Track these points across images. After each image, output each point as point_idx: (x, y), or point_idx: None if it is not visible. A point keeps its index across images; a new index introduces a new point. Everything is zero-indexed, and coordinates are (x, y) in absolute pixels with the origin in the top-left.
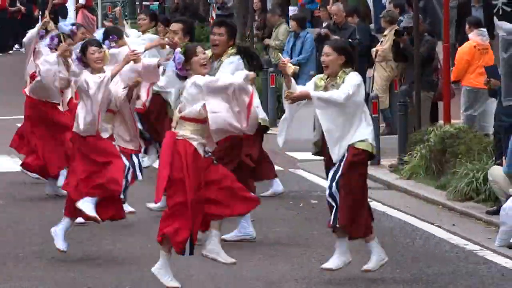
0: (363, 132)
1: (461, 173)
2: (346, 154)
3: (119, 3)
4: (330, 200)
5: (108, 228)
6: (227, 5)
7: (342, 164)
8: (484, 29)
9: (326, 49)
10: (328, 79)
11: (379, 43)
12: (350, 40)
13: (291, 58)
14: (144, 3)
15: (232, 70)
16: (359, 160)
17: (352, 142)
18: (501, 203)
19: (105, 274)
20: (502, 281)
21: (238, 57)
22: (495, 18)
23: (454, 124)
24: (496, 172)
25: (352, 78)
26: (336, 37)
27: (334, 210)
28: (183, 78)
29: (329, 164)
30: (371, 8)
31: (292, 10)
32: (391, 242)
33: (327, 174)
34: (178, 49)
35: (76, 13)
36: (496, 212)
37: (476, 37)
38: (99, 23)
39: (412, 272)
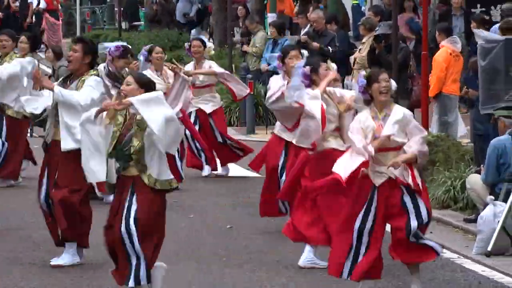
0: None
1: (439, 181)
2: None
3: (97, 9)
4: None
5: None
6: (189, 15)
7: None
8: (456, 36)
9: None
10: None
11: (358, 50)
12: (329, 47)
13: (269, 65)
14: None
15: (87, 91)
16: None
17: None
18: (478, 211)
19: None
20: None
21: (98, 79)
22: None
23: (432, 132)
24: (474, 179)
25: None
26: (315, 43)
27: None
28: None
29: None
30: (350, 15)
31: (271, 16)
32: None
33: None
34: (363, 72)
35: (38, 17)
36: (474, 220)
37: (450, 44)
38: (78, 29)
39: (388, 280)
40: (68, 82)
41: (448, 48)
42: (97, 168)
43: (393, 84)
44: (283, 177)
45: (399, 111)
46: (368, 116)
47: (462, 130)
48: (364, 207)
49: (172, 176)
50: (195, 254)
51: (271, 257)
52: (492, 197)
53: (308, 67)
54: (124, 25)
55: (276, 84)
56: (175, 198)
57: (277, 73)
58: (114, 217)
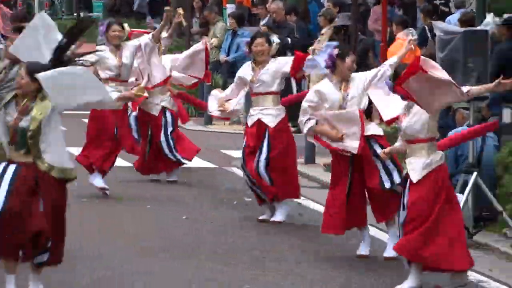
0: None
1: None
2: None
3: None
4: None
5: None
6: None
7: None
8: (412, 29)
9: None
10: None
11: (317, 41)
12: (288, 38)
13: (228, 56)
14: None
15: None
16: None
17: None
18: None
19: None
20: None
21: None
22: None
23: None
24: None
25: None
26: (275, 35)
27: None
28: None
29: None
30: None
31: (230, 7)
32: (326, 241)
33: None
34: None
35: None
36: None
37: (405, 36)
38: None
39: (348, 274)
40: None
41: (404, 40)
42: None
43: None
44: None
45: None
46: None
47: None
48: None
49: (72, 166)
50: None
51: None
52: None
53: (336, 50)
54: (83, 15)
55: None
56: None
57: (235, 64)
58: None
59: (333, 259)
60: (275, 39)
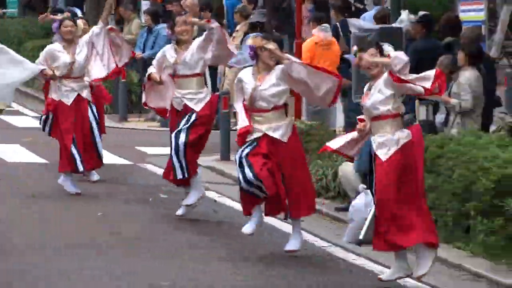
0: None
1: (311, 170)
2: None
3: None
4: None
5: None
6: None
7: None
8: (326, 25)
9: None
10: None
11: (232, 38)
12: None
13: (143, 52)
14: None
15: None
16: None
17: None
18: (350, 200)
19: None
20: (351, 278)
21: None
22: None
23: (305, 121)
24: (346, 168)
25: None
26: None
27: None
28: None
29: None
30: (224, 3)
31: (145, 4)
32: (240, 237)
33: None
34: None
35: None
36: (345, 209)
37: (319, 32)
38: None
39: (259, 269)
40: None
41: (317, 37)
42: None
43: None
44: None
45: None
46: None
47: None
48: None
49: None
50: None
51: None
52: (364, 185)
53: None
54: None
55: None
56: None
57: (151, 61)
58: None
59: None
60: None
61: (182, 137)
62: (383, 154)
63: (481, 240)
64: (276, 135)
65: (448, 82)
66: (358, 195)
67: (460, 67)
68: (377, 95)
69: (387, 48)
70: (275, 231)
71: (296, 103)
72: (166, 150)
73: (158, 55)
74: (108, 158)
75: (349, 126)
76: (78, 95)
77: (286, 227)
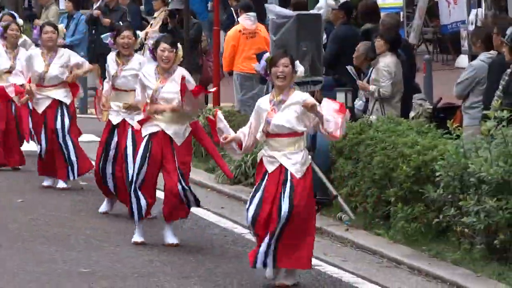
0: None
1: (230, 156)
2: None
3: None
4: None
5: None
6: None
7: None
8: (253, 13)
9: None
10: None
11: (149, 25)
12: (120, 22)
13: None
14: None
15: None
16: None
17: None
18: None
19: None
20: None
21: None
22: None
23: (224, 108)
24: None
25: None
26: (107, 19)
27: None
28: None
29: None
30: None
31: None
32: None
33: None
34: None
35: None
36: None
37: (244, 21)
38: None
39: (180, 256)
40: None
41: (241, 25)
42: None
43: (300, 69)
44: None
45: (296, 97)
46: (267, 99)
47: None
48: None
49: None
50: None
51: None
52: None
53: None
54: None
55: None
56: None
57: (72, 48)
58: None
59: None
60: (139, 33)
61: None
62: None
63: (401, 226)
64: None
65: (367, 69)
66: None
67: (379, 53)
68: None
69: (299, 65)
70: (200, 221)
71: (215, 90)
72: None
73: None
74: (26, 146)
75: None
76: None
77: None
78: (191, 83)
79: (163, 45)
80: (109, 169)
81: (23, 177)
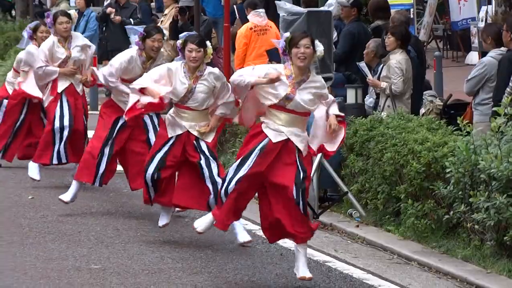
0: None
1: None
2: None
3: None
4: None
5: None
6: None
7: None
8: (261, 10)
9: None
10: None
11: (160, 22)
12: (131, 19)
13: None
14: None
15: None
16: None
17: None
18: None
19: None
20: (281, 261)
21: None
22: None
23: None
24: None
25: None
26: (118, 17)
27: None
28: None
29: None
30: None
31: None
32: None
33: None
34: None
35: None
36: None
37: (254, 18)
38: None
39: (191, 253)
40: None
41: (252, 22)
42: None
43: (319, 49)
44: None
45: (315, 79)
46: (282, 71)
47: None
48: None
49: None
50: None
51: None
52: None
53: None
54: None
55: None
56: None
57: None
58: None
59: None
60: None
61: None
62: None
63: (412, 223)
64: None
65: (377, 66)
66: None
67: (389, 50)
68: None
69: (318, 45)
70: None
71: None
72: None
73: (126, 59)
74: None
75: None
76: None
77: None
78: (222, 81)
79: (190, 46)
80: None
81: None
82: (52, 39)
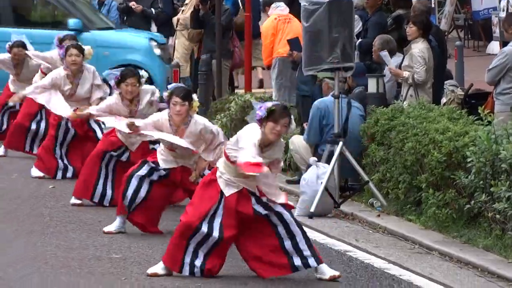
0: None
1: None
2: None
3: None
4: None
5: None
6: None
7: None
8: (280, 2)
9: None
10: None
11: (181, 12)
12: (152, 9)
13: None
14: None
15: None
16: None
17: None
18: (301, 173)
19: None
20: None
21: None
22: None
23: (255, 94)
24: (297, 140)
25: None
26: (139, 6)
27: None
28: None
29: None
30: None
31: None
32: None
33: None
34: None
35: None
36: (297, 182)
37: (274, 10)
38: None
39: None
40: None
41: (274, 14)
42: None
43: (292, 127)
44: None
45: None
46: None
47: None
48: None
49: None
50: None
51: None
52: (315, 158)
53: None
54: None
55: None
56: None
57: None
58: None
59: None
60: (143, 73)
61: None
62: None
63: (433, 213)
64: None
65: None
66: (310, 168)
67: (411, 40)
68: None
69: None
70: None
71: (246, 75)
72: None
73: (109, 103)
74: None
75: (300, 99)
76: None
77: None
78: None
79: (175, 99)
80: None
81: None
82: (60, 72)
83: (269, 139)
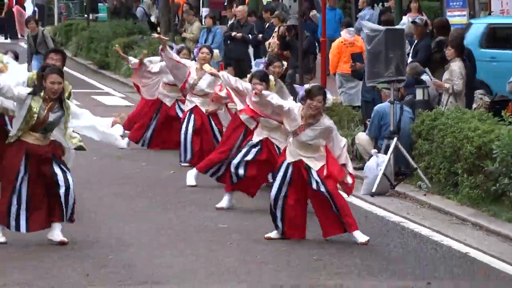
0: None
1: None
2: None
3: (71, 4)
4: None
5: None
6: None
7: None
8: (352, 28)
9: None
10: None
11: (271, 37)
12: (249, 35)
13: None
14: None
15: None
16: None
17: None
18: (365, 161)
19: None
20: (366, 222)
21: None
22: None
23: (334, 100)
24: (361, 136)
25: None
26: (239, 34)
27: None
28: None
29: None
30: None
31: (205, 10)
32: None
33: None
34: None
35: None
36: (361, 168)
37: (345, 34)
38: (55, 19)
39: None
40: None
41: (343, 37)
42: None
43: (329, 100)
44: None
45: (324, 122)
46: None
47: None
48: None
49: None
50: None
51: None
52: (376, 150)
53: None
54: (91, 16)
55: None
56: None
57: None
58: None
59: None
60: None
61: None
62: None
63: (467, 192)
64: None
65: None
66: (371, 158)
67: (450, 59)
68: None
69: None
70: None
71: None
72: None
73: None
74: None
75: (363, 104)
76: None
77: None
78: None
79: (255, 80)
80: None
81: (173, 153)
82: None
83: (310, 113)
